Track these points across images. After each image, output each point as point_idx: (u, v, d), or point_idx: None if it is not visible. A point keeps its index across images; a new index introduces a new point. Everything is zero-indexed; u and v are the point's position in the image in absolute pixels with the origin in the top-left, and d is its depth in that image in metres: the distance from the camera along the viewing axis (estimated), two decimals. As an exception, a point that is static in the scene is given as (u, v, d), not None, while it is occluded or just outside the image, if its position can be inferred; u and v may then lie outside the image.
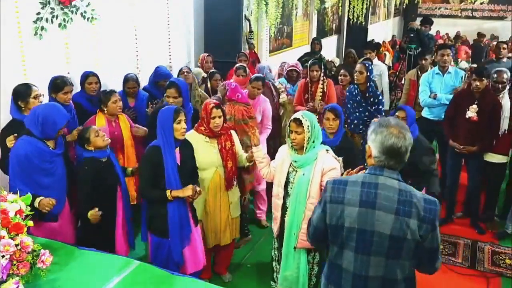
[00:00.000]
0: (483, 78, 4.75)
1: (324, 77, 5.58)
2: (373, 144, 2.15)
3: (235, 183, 3.84)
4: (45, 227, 3.23)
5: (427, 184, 3.76)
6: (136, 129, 4.40)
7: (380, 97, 5.21)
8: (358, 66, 5.20)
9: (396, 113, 3.91)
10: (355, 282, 2.21)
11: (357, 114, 5.13)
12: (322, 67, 5.63)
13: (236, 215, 3.90)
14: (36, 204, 2.99)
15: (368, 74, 5.09)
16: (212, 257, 4.14)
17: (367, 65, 5.18)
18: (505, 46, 6.76)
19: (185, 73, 5.22)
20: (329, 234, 2.27)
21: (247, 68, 5.48)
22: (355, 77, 5.16)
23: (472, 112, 4.78)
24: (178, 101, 4.20)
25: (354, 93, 5.20)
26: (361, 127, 5.14)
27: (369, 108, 5.11)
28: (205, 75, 5.91)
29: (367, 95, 5.12)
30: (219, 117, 3.62)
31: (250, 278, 4.18)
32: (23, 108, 3.58)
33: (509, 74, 4.73)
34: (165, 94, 4.38)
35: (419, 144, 3.78)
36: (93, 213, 3.28)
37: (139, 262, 2.73)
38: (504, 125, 4.67)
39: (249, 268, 4.32)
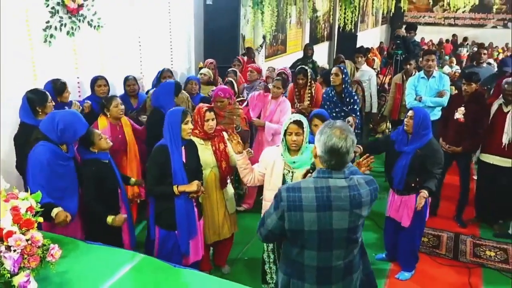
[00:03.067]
0: (472, 83, 4.77)
1: (312, 82, 5.58)
2: (318, 144, 2.16)
3: (228, 181, 3.83)
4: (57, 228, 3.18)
5: (425, 181, 3.74)
6: None
7: (355, 98, 5.24)
8: (334, 69, 5.23)
9: (408, 113, 3.89)
10: (319, 273, 2.22)
11: (334, 114, 5.14)
12: (311, 73, 5.65)
13: (233, 210, 3.89)
14: (53, 214, 2.89)
15: (343, 76, 5.14)
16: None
17: (342, 67, 5.21)
18: (485, 51, 6.80)
19: (193, 85, 5.25)
20: (289, 237, 2.23)
21: (237, 72, 5.47)
22: (331, 79, 5.18)
23: (459, 114, 4.80)
24: None
25: (330, 95, 5.23)
26: None
27: (344, 108, 5.12)
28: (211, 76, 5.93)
29: (343, 95, 5.14)
30: (212, 119, 3.63)
31: (248, 270, 4.17)
32: (40, 113, 3.55)
33: None
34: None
35: (430, 146, 3.79)
36: (120, 218, 3.22)
37: (144, 256, 2.72)
38: (510, 132, 4.56)
39: (247, 261, 4.31)
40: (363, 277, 2.50)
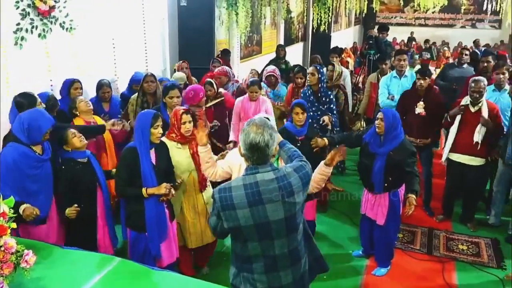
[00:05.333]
0: (426, 77, 4.98)
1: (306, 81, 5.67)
2: (241, 143, 2.25)
3: (208, 183, 3.80)
4: (33, 231, 3.16)
5: (409, 184, 3.78)
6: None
7: (331, 97, 5.28)
8: (310, 69, 5.27)
9: (378, 115, 3.94)
10: (265, 262, 2.28)
11: (311, 113, 5.18)
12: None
13: None
14: (20, 211, 2.87)
15: (319, 76, 5.17)
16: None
17: (318, 67, 5.27)
18: (467, 52, 6.93)
19: (149, 82, 4.85)
20: (231, 234, 2.33)
21: (214, 84, 5.47)
22: (308, 79, 5.24)
23: (420, 108, 4.95)
24: (179, 101, 4.23)
25: (307, 94, 5.27)
26: (315, 125, 5.19)
27: (321, 107, 5.17)
28: (185, 80, 5.88)
29: (319, 95, 5.18)
30: (189, 122, 3.58)
31: (226, 270, 4.14)
32: None
33: (486, 82, 4.67)
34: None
35: (404, 147, 3.83)
36: (71, 209, 3.22)
37: (120, 259, 2.69)
38: (482, 131, 4.63)
39: (226, 261, 4.29)
40: (312, 262, 2.56)
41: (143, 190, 3.18)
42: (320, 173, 2.97)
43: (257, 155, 2.19)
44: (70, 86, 4.54)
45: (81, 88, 4.60)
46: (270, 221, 2.19)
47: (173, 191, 3.29)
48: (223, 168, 3.28)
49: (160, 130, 3.25)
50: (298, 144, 3.97)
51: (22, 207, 2.90)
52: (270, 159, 2.25)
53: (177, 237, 3.65)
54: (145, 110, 3.43)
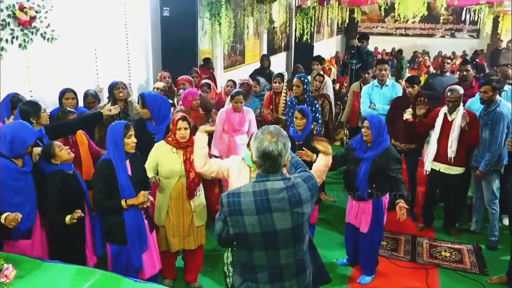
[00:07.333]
0: (414, 85, 5.14)
1: (287, 89, 5.69)
2: (253, 150, 2.23)
3: (198, 193, 3.77)
4: (17, 245, 3.09)
5: (395, 190, 3.82)
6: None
7: (317, 106, 5.35)
8: (295, 81, 5.33)
9: (364, 123, 3.97)
10: (270, 272, 2.26)
11: None
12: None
13: (200, 223, 3.81)
14: (2, 220, 2.83)
15: (304, 86, 5.24)
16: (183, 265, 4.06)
17: (302, 78, 5.33)
18: (449, 61, 7.07)
19: (120, 89, 4.87)
20: (236, 241, 2.29)
21: (211, 85, 5.47)
22: (294, 90, 5.30)
23: (408, 115, 5.07)
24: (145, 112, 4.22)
25: (294, 103, 5.31)
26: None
27: None
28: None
29: (305, 104, 5.22)
30: (185, 128, 3.60)
31: (218, 284, 4.08)
32: (34, 123, 3.48)
33: (462, 92, 4.71)
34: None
35: (389, 153, 3.87)
36: (73, 216, 3.12)
37: (102, 272, 2.66)
38: (455, 139, 4.67)
39: (219, 278, 4.18)
40: (315, 271, 2.54)
41: (122, 201, 3.16)
42: (322, 164, 3.02)
43: (269, 163, 2.17)
44: (62, 96, 4.50)
45: (74, 98, 4.51)
46: (277, 230, 2.17)
47: (151, 198, 3.28)
48: (220, 167, 3.26)
49: (134, 139, 3.24)
50: (296, 149, 3.99)
51: (4, 215, 2.85)
52: (281, 168, 2.23)
53: (160, 242, 3.66)
54: (115, 121, 3.42)
